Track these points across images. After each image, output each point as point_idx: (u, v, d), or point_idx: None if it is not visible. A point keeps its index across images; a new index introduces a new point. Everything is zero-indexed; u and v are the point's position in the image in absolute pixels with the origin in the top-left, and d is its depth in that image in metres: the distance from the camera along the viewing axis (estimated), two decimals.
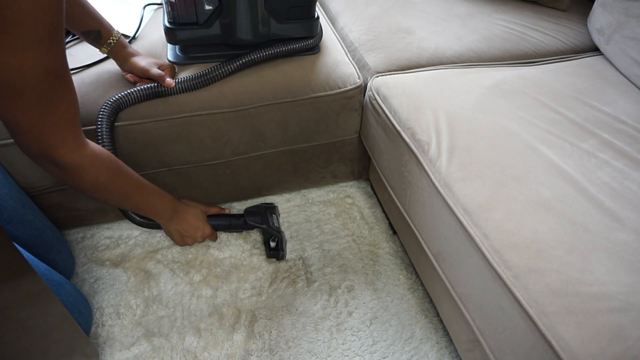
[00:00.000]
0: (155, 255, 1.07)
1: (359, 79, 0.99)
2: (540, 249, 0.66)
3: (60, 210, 1.02)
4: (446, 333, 0.97)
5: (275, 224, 1.07)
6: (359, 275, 1.06)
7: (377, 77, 0.99)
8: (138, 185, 0.82)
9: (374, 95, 0.97)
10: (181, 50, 0.94)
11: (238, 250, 1.09)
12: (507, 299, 0.65)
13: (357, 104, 1.02)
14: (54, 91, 0.59)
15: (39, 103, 0.58)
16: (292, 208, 1.20)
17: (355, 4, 1.21)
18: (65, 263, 0.96)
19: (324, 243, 1.12)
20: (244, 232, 1.12)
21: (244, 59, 0.90)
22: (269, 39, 0.90)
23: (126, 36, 0.96)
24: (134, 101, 0.85)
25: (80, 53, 0.93)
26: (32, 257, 0.83)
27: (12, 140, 0.75)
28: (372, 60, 1.04)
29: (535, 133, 0.83)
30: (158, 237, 1.10)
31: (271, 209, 1.09)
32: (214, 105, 0.91)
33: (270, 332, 0.95)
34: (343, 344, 0.94)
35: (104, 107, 0.82)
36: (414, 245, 0.97)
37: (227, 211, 1.08)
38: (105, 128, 0.82)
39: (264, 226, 1.03)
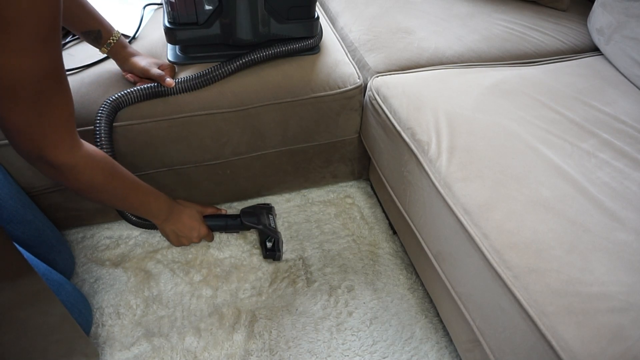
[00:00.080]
0: (155, 255, 1.07)
1: (359, 79, 0.99)
2: (540, 249, 0.66)
3: (60, 210, 1.02)
4: (446, 333, 0.97)
5: (272, 225, 1.06)
6: (359, 275, 1.06)
7: (377, 77, 0.99)
8: (133, 185, 0.81)
9: (374, 95, 0.97)
10: (181, 50, 0.94)
11: (238, 250, 1.09)
12: (507, 299, 0.65)
13: (357, 104, 1.02)
14: (50, 91, 0.59)
15: (35, 103, 0.58)
16: (292, 208, 1.20)
17: (355, 4, 1.21)
18: (65, 263, 0.96)
19: (324, 243, 1.12)
20: (244, 232, 1.12)
21: (244, 59, 0.90)
22: (269, 39, 0.90)
23: (126, 36, 0.96)
24: (133, 101, 0.85)
25: (80, 53, 0.93)
26: (32, 257, 0.83)
27: None
28: (372, 60, 1.04)
29: (535, 133, 0.83)
30: (158, 237, 1.10)
31: (267, 209, 1.09)
32: (214, 105, 0.91)
33: (270, 332, 0.95)
34: (343, 344, 0.94)
35: (103, 106, 0.82)
36: (414, 245, 0.97)
37: (223, 211, 1.08)
38: (104, 127, 0.82)
39: (260, 227, 1.03)
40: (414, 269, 1.07)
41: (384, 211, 1.19)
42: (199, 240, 1.02)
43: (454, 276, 0.78)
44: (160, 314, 0.97)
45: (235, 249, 1.09)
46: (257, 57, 0.91)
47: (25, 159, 0.65)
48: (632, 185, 0.75)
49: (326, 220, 1.17)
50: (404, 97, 0.92)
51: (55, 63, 0.59)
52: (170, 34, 0.86)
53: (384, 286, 1.04)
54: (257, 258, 1.08)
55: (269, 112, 0.95)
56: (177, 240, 0.98)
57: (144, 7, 1.06)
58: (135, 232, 1.11)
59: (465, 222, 0.72)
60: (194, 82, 0.88)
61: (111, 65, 0.90)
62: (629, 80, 1.01)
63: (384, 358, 0.93)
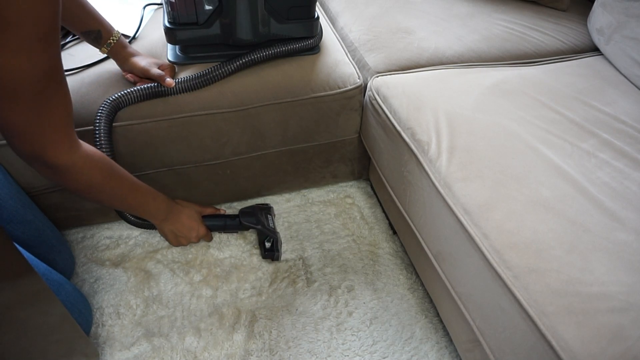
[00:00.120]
0: (155, 255, 1.07)
1: (359, 79, 0.99)
2: (540, 249, 0.66)
3: (60, 210, 1.02)
4: (446, 333, 0.97)
5: (271, 225, 1.06)
6: (359, 275, 1.06)
7: (377, 77, 0.99)
8: (132, 186, 0.81)
9: (374, 95, 0.97)
10: (181, 50, 0.94)
11: (238, 250, 1.09)
12: (507, 299, 0.65)
13: (357, 104, 1.02)
14: (49, 92, 0.59)
15: (34, 103, 0.58)
16: (292, 208, 1.20)
17: (355, 4, 1.21)
18: (65, 263, 0.96)
19: (324, 243, 1.12)
20: (243, 232, 1.12)
21: (244, 59, 0.90)
22: (269, 39, 0.90)
23: (126, 36, 0.96)
24: (133, 101, 0.85)
25: (80, 53, 0.93)
26: (32, 257, 0.83)
27: None
28: (372, 60, 1.04)
29: (535, 133, 0.83)
30: (158, 237, 1.10)
31: (266, 209, 1.09)
32: (214, 105, 0.91)
33: (270, 332, 0.95)
34: (343, 344, 0.94)
35: (102, 106, 0.82)
36: (414, 245, 0.97)
37: (222, 211, 1.08)
38: (104, 127, 0.82)
39: (259, 227, 1.03)
40: (414, 269, 1.07)
41: (384, 211, 1.19)
42: (198, 240, 1.02)
43: (454, 276, 0.78)
44: (160, 314, 0.97)
45: (235, 249, 1.09)
46: (257, 57, 0.91)
47: (23, 159, 0.65)
48: (632, 185, 0.75)
49: (326, 220, 1.17)
50: (404, 97, 0.92)
51: (55, 63, 0.59)
52: (170, 34, 0.86)
53: (384, 286, 1.04)
54: (257, 258, 1.08)
55: (269, 112, 0.95)
56: (176, 240, 0.98)
57: (144, 7, 1.06)
58: (135, 232, 1.11)
59: (465, 222, 0.72)
60: (194, 82, 0.88)
61: (111, 65, 0.90)
62: (629, 80, 1.01)
63: (384, 358, 0.93)
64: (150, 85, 0.86)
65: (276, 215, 1.17)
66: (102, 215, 1.09)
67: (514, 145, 0.81)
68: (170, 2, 0.81)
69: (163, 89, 0.86)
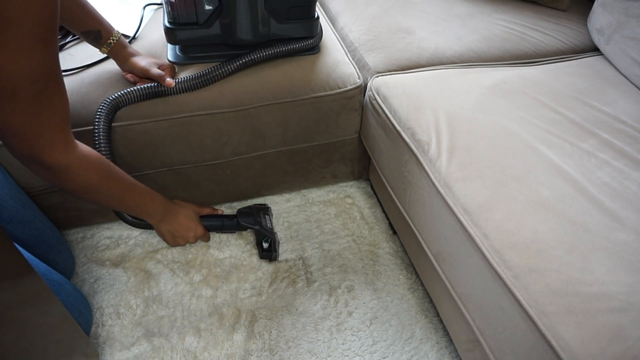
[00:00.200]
0: (155, 255, 1.07)
1: (359, 79, 0.99)
2: (540, 249, 0.66)
3: (60, 210, 1.02)
4: (446, 333, 0.97)
5: (268, 225, 1.06)
6: (359, 275, 1.06)
7: (377, 77, 0.99)
8: (129, 186, 0.81)
9: (374, 95, 0.97)
10: (181, 50, 0.94)
11: (238, 250, 1.09)
12: (507, 299, 0.65)
13: (357, 104, 1.02)
14: (46, 92, 0.59)
15: (31, 104, 0.58)
16: (292, 208, 1.20)
17: (355, 4, 1.21)
18: (65, 263, 0.96)
19: (324, 243, 1.12)
20: (243, 233, 1.12)
21: (244, 59, 0.90)
22: (269, 39, 0.90)
23: (126, 36, 0.96)
24: (133, 100, 0.85)
25: (80, 53, 0.93)
26: (32, 257, 0.83)
27: None
28: (372, 60, 1.04)
29: (535, 133, 0.83)
30: (158, 237, 1.10)
31: (264, 209, 1.09)
32: (214, 105, 0.91)
33: (270, 332, 0.95)
34: (343, 344, 0.94)
35: (102, 105, 0.82)
36: (414, 245, 0.97)
37: (220, 212, 1.08)
38: (103, 126, 0.81)
39: (256, 227, 1.03)
40: (414, 269, 1.07)
41: (384, 211, 1.19)
42: (195, 241, 1.01)
43: (454, 276, 0.78)
44: (160, 314, 0.97)
45: (235, 249, 1.09)
46: (257, 57, 0.91)
47: (19, 159, 0.65)
48: (632, 185, 0.75)
49: (326, 220, 1.17)
50: (404, 97, 0.92)
51: (53, 63, 0.58)
52: (170, 34, 0.86)
53: (384, 286, 1.04)
54: (257, 258, 1.08)
55: (269, 112, 0.95)
56: (174, 240, 0.98)
57: (144, 7, 1.06)
58: (135, 232, 1.11)
59: (465, 222, 0.72)
60: (194, 82, 0.88)
61: (111, 65, 0.90)
62: (629, 80, 1.01)
63: (384, 358, 0.93)
64: (150, 85, 0.86)
65: (276, 215, 1.17)
66: (102, 215, 1.09)
67: (514, 145, 0.81)
68: (170, 2, 0.81)
69: (163, 88, 0.86)
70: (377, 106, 0.96)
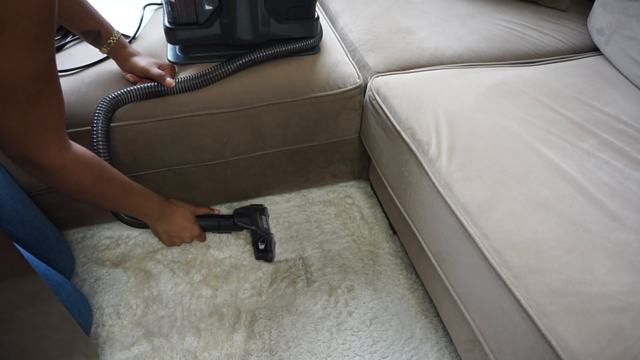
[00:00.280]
0: (155, 255, 1.07)
1: (359, 79, 0.99)
2: (540, 249, 0.66)
3: (60, 210, 1.02)
4: (446, 333, 0.97)
5: (265, 226, 1.06)
6: (359, 275, 1.06)
7: (377, 77, 0.99)
8: (124, 186, 0.81)
9: (374, 95, 0.97)
10: (181, 50, 0.94)
11: (238, 250, 1.09)
12: (507, 299, 0.65)
13: (357, 104, 1.02)
14: (42, 93, 0.59)
15: (27, 104, 0.58)
16: (292, 208, 1.20)
17: (355, 4, 1.21)
18: (65, 263, 0.96)
19: (324, 243, 1.12)
20: (244, 233, 1.12)
21: (244, 59, 0.90)
22: (269, 39, 0.90)
23: (126, 36, 0.96)
24: (132, 99, 0.85)
25: (80, 53, 0.93)
26: (32, 257, 0.83)
27: None
28: (372, 60, 1.04)
29: (535, 133, 0.83)
30: None
31: (260, 210, 1.09)
32: (214, 105, 0.91)
33: (270, 332, 0.95)
34: (343, 344, 0.94)
35: (101, 103, 0.82)
36: (414, 245, 0.97)
37: (216, 212, 1.08)
38: (101, 124, 0.81)
39: (253, 227, 1.03)
40: (414, 269, 1.07)
41: (384, 211, 1.19)
42: (191, 241, 1.01)
43: (454, 276, 0.78)
44: (160, 314, 0.97)
45: (235, 249, 1.09)
46: (257, 57, 0.91)
47: (12, 159, 0.64)
48: (632, 185, 0.75)
49: (326, 220, 1.17)
50: (404, 97, 0.92)
51: (49, 64, 0.58)
52: (170, 34, 0.86)
53: (384, 286, 1.04)
54: None
55: (269, 112, 0.95)
56: (170, 240, 0.97)
57: (144, 7, 1.06)
58: (135, 232, 1.11)
59: (465, 222, 0.72)
60: (194, 82, 0.88)
61: (111, 65, 0.90)
62: (629, 80, 1.01)
63: (384, 358, 0.93)
64: (150, 85, 0.86)
65: (276, 215, 1.17)
66: (102, 215, 1.09)
67: (514, 145, 0.81)
68: (170, 2, 0.81)
69: (163, 88, 0.86)
70: (377, 106, 0.96)
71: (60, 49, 0.94)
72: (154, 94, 0.87)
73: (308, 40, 0.95)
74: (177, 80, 0.87)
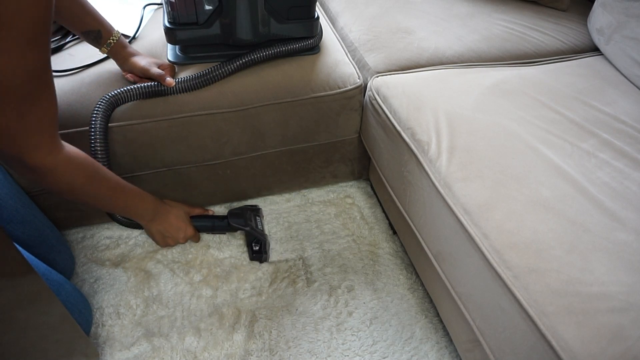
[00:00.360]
0: (155, 255, 1.07)
1: (359, 79, 0.99)
2: (540, 249, 0.66)
3: (60, 210, 1.02)
4: (446, 333, 0.97)
5: (259, 226, 1.06)
6: (359, 275, 1.06)
7: (377, 77, 0.99)
8: (117, 187, 0.81)
9: (374, 95, 0.97)
10: (181, 50, 0.94)
11: (238, 250, 1.09)
12: (507, 299, 0.65)
13: (357, 104, 1.02)
14: (36, 93, 0.58)
15: (19, 105, 0.57)
16: (292, 208, 1.20)
17: (355, 4, 1.21)
18: (65, 263, 0.96)
19: (324, 243, 1.12)
20: (243, 233, 1.12)
21: (244, 59, 0.90)
22: (269, 39, 0.90)
23: (126, 36, 0.96)
24: (132, 98, 0.85)
25: (80, 53, 0.93)
26: (32, 257, 0.83)
27: None
28: (372, 60, 1.04)
29: (535, 133, 0.83)
30: None
31: (255, 211, 1.09)
32: (214, 105, 0.91)
33: (270, 332, 0.95)
34: (343, 344, 0.94)
35: (101, 100, 0.82)
36: (414, 245, 0.97)
37: (210, 212, 1.07)
38: (100, 123, 0.81)
39: (247, 228, 1.03)
40: (414, 269, 1.07)
41: (384, 211, 1.19)
42: (185, 241, 1.01)
43: (454, 276, 0.78)
44: (160, 314, 0.97)
45: (235, 249, 1.09)
46: (257, 57, 0.91)
47: (4, 160, 0.64)
48: (632, 185, 0.75)
49: (326, 220, 1.17)
50: (404, 97, 0.92)
51: (43, 65, 0.58)
52: (170, 34, 0.86)
53: (384, 286, 1.04)
54: None
55: (269, 112, 0.95)
56: (163, 240, 0.97)
57: (144, 7, 1.06)
58: (135, 232, 1.11)
59: (465, 222, 0.72)
60: (194, 82, 0.88)
61: (111, 65, 0.90)
62: (629, 80, 1.01)
63: (384, 358, 0.93)
64: (150, 84, 0.86)
65: (276, 215, 1.17)
66: (102, 215, 1.08)
67: (514, 145, 0.81)
68: (170, 2, 0.81)
69: (163, 88, 0.86)
70: (377, 106, 0.96)
71: (60, 49, 0.94)
72: (153, 94, 0.87)
73: (308, 40, 0.95)
74: (177, 80, 0.87)
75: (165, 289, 1.01)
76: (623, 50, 1.02)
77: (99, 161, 0.82)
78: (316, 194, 1.23)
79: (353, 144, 1.12)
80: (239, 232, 1.12)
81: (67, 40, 0.96)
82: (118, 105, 0.85)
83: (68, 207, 1.02)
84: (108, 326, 0.95)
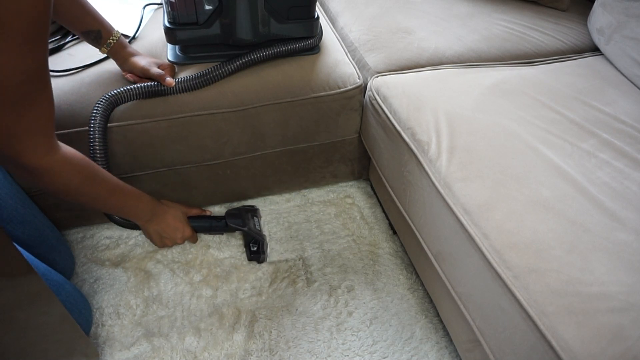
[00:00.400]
0: (155, 255, 1.07)
1: (359, 79, 0.99)
2: (540, 249, 0.66)
3: (60, 210, 1.02)
4: (446, 333, 0.97)
5: (257, 227, 1.06)
6: (359, 275, 1.06)
7: (377, 77, 0.99)
8: (114, 188, 0.80)
9: (374, 95, 0.97)
10: (181, 50, 0.94)
11: (238, 250, 1.09)
12: (507, 299, 0.65)
13: (357, 104, 1.02)
14: (33, 94, 0.58)
15: (17, 105, 0.57)
16: (292, 208, 1.20)
17: (355, 4, 1.21)
18: (65, 263, 0.96)
19: (324, 243, 1.12)
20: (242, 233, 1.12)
21: (244, 59, 0.90)
22: (269, 39, 0.90)
23: (126, 36, 0.96)
24: (132, 97, 0.85)
25: (80, 53, 0.93)
26: (32, 257, 0.83)
27: None
28: (372, 60, 1.04)
29: (535, 133, 0.83)
30: None
31: (252, 211, 1.09)
32: (214, 105, 0.91)
33: (270, 332, 0.95)
34: (343, 344, 0.94)
35: (101, 99, 0.82)
36: (414, 245, 0.97)
37: (208, 213, 1.07)
38: (99, 122, 0.81)
39: (245, 229, 1.03)
40: (414, 269, 1.07)
41: (384, 211, 1.19)
42: (183, 242, 1.01)
43: (454, 276, 0.78)
44: (160, 314, 0.97)
45: (235, 249, 1.09)
46: (257, 57, 0.91)
47: None
48: (632, 185, 0.75)
49: (326, 220, 1.17)
50: (404, 97, 0.92)
51: (41, 65, 0.58)
52: (170, 34, 0.86)
53: (384, 286, 1.04)
54: None
55: (269, 112, 0.95)
56: (161, 241, 0.97)
57: (144, 7, 1.06)
58: (135, 232, 1.11)
59: (465, 222, 0.72)
60: (194, 82, 0.88)
61: (111, 65, 0.90)
62: (629, 80, 1.01)
63: (384, 358, 0.93)
64: (150, 84, 0.86)
65: (277, 216, 1.17)
66: (102, 215, 1.08)
67: (514, 145, 0.81)
68: (170, 2, 0.81)
69: (163, 88, 0.86)
70: (377, 106, 0.96)
71: (60, 49, 0.94)
72: (153, 94, 0.87)
73: (308, 40, 0.95)
74: (177, 80, 0.87)
75: (165, 289, 1.01)
76: (623, 50, 1.02)
77: (97, 161, 0.82)
78: (316, 194, 1.24)
79: (353, 144, 1.12)
80: (238, 232, 1.12)
81: (67, 40, 0.96)
82: (118, 105, 0.85)
83: (68, 207, 1.02)
84: (108, 326, 0.95)
